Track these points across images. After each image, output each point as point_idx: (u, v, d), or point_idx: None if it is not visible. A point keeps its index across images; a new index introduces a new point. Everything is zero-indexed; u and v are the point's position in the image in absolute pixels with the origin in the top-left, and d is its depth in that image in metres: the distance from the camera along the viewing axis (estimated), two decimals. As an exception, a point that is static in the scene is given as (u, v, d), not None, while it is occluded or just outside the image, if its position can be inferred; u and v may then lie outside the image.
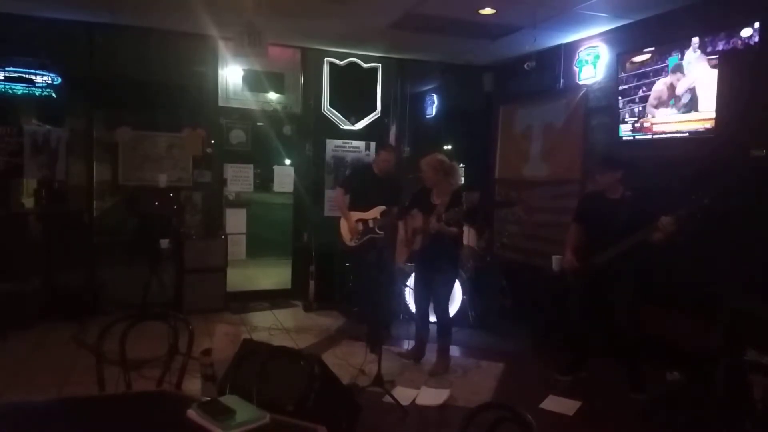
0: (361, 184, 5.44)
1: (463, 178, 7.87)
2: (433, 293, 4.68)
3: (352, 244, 5.36)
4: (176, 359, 2.67)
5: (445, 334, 4.67)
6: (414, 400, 3.99)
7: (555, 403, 3.99)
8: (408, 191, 5.39)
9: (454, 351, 5.04)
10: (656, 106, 4.75)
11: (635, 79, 4.93)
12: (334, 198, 5.51)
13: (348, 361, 4.64)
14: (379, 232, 5.26)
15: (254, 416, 1.89)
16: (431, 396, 4.03)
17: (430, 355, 4.72)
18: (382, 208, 5.27)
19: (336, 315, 6.18)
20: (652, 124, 4.80)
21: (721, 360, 3.60)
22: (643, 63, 4.86)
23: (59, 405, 2.23)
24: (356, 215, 5.34)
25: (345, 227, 5.40)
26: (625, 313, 4.10)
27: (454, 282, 4.89)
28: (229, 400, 2.00)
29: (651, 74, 4.78)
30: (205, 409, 1.88)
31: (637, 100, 4.92)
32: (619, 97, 5.08)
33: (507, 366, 4.75)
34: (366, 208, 5.32)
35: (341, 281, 6.31)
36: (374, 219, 5.28)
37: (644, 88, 4.85)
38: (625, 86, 5.02)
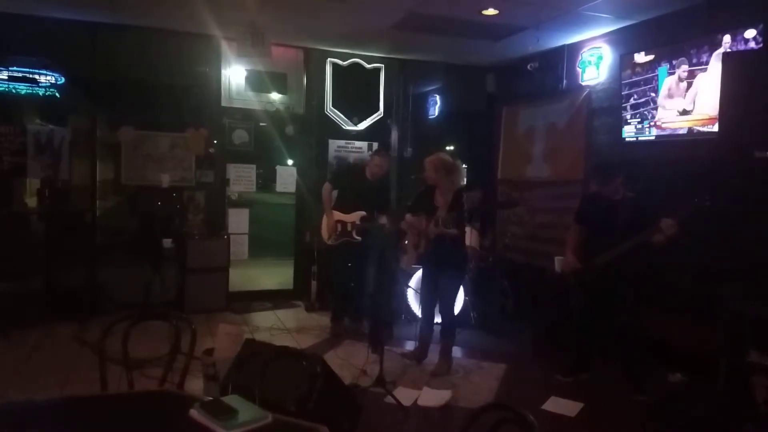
0: (350, 184, 5.46)
1: (465, 179, 7.88)
2: (439, 295, 4.70)
3: (330, 242, 5.43)
4: (178, 359, 2.68)
5: (449, 336, 4.68)
6: (416, 400, 3.98)
7: (557, 405, 3.99)
8: (408, 192, 5.37)
9: (456, 352, 5.03)
10: (659, 107, 4.75)
11: (638, 81, 4.93)
12: (323, 192, 5.52)
13: (350, 362, 4.65)
14: (356, 237, 5.29)
15: (256, 416, 1.89)
16: (433, 397, 4.03)
17: (432, 356, 4.72)
18: (362, 213, 5.29)
19: (338, 315, 6.18)
20: (655, 125, 4.79)
21: (722, 361, 3.59)
22: (646, 64, 4.85)
23: (61, 404, 2.23)
24: (338, 215, 5.37)
25: (325, 224, 5.46)
26: (627, 314, 4.10)
27: (459, 284, 4.89)
28: (232, 400, 2.00)
29: (654, 75, 4.77)
30: (207, 408, 1.88)
31: (640, 101, 4.92)
32: (622, 98, 5.08)
33: (509, 367, 4.75)
34: (348, 210, 5.34)
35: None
36: (353, 224, 5.31)
37: (647, 90, 4.85)
38: (628, 87, 5.02)
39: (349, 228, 5.32)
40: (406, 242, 4.97)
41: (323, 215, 5.50)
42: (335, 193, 5.50)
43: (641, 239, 3.83)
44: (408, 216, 4.78)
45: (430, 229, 4.45)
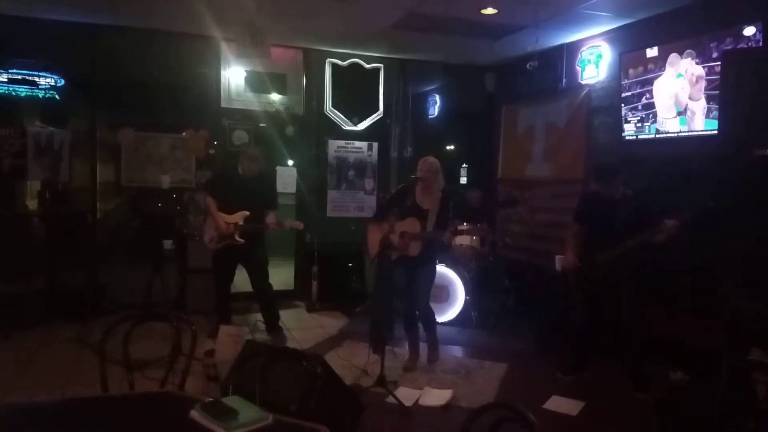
0: (225, 187, 5.19)
1: (465, 179, 7.90)
2: (416, 286, 4.60)
3: (211, 246, 5.17)
4: (179, 360, 2.68)
5: (432, 327, 4.74)
6: (417, 400, 3.98)
7: (558, 403, 3.99)
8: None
9: (457, 351, 5.05)
10: (659, 106, 4.74)
11: (638, 79, 4.92)
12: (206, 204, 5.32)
13: (351, 362, 4.65)
14: (239, 239, 5.02)
15: (257, 417, 1.89)
16: (434, 396, 4.03)
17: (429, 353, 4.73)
18: (246, 214, 5.04)
19: (339, 315, 6.19)
20: (655, 123, 4.79)
21: (724, 359, 3.59)
22: (645, 62, 4.85)
23: (62, 405, 2.23)
24: (224, 218, 5.08)
25: (209, 228, 5.19)
26: (628, 312, 4.10)
27: (434, 276, 4.79)
28: (232, 400, 2.00)
29: (654, 73, 4.77)
30: (208, 409, 1.89)
31: (640, 99, 4.92)
32: (622, 97, 5.07)
33: (510, 366, 4.75)
34: (230, 212, 5.07)
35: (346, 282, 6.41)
36: (235, 224, 5.03)
37: (647, 88, 4.85)
38: (628, 86, 5.02)
39: (231, 230, 5.03)
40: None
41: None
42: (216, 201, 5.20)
43: (644, 238, 3.82)
44: (399, 223, 4.44)
45: (446, 237, 4.31)
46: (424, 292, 4.64)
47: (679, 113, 4.59)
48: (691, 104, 4.48)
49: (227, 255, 5.14)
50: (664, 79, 4.68)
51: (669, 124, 4.69)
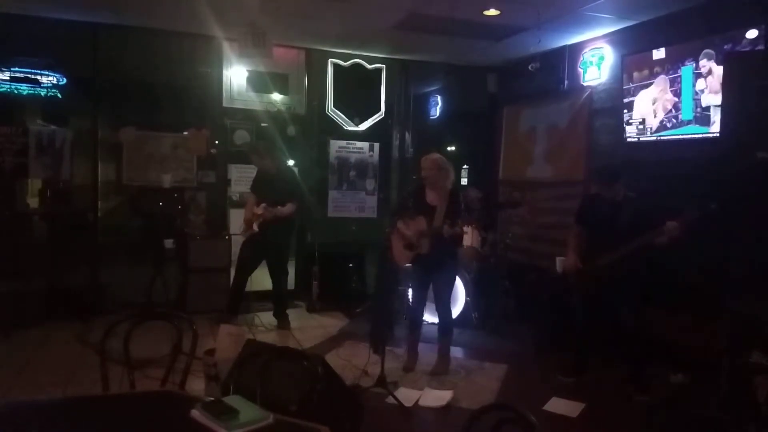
0: (258, 184, 5.77)
1: (466, 179, 7.90)
2: (436, 292, 4.63)
3: (239, 233, 5.81)
4: (180, 359, 2.68)
5: (447, 334, 4.65)
6: (417, 401, 3.98)
7: (558, 405, 3.98)
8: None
9: (458, 352, 5.03)
10: (661, 108, 4.74)
11: (640, 81, 4.92)
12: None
13: (351, 362, 4.64)
14: (254, 228, 5.53)
15: (257, 416, 1.89)
16: (434, 397, 4.03)
17: (431, 355, 4.70)
18: (264, 206, 5.47)
19: (339, 316, 6.19)
20: (656, 126, 4.79)
21: (725, 362, 3.59)
22: (647, 64, 4.85)
23: (63, 404, 2.24)
24: (254, 210, 5.61)
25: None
26: (629, 314, 4.09)
27: (455, 279, 4.84)
28: (233, 400, 2.00)
29: (656, 75, 4.77)
30: (208, 409, 1.89)
31: (641, 101, 4.91)
32: (624, 99, 5.07)
33: (510, 367, 4.74)
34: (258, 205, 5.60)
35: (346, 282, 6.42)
36: (254, 215, 5.54)
37: (649, 90, 4.84)
38: (630, 88, 5.02)
39: (252, 219, 5.56)
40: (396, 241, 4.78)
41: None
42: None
43: (645, 241, 3.82)
44: (400, 223, 4.54)
45: (445, 230, 4.26)
46: (444, 296, 4.60)
47: (690, 120, 4.58)
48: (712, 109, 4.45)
49: (252, 246, 5.59)
50: (646, 94, 4.82)
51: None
